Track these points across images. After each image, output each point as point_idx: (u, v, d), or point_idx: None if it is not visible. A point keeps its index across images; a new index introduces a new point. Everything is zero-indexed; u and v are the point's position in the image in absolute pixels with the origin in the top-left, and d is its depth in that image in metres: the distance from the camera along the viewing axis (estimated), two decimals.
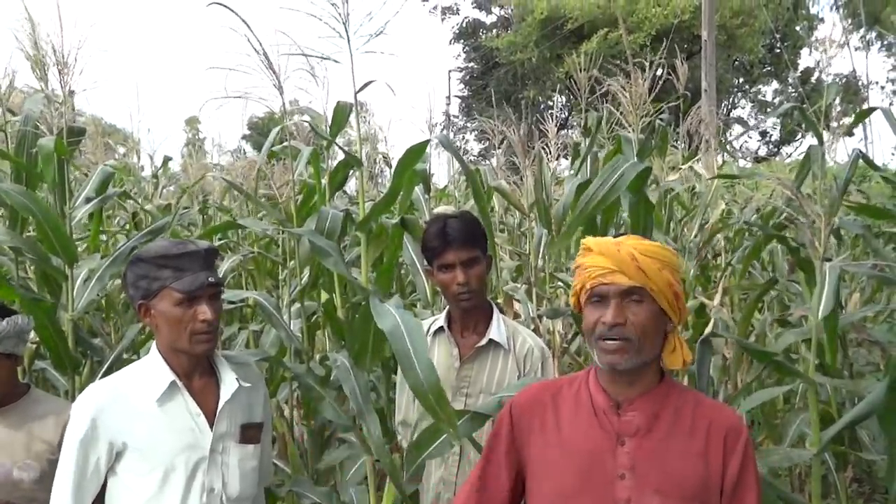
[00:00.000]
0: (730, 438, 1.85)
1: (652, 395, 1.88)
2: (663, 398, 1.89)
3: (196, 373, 2.29)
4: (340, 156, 3.56)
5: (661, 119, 3.63)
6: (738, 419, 1.93)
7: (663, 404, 1.88)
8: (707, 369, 2.86)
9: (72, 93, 3.31)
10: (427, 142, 2.93)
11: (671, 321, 1.89)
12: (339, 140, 3.14)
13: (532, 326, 3.52)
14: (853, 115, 3.78)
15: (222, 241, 5.55)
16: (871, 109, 3.57)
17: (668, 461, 1.82)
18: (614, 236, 2.01)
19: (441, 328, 2.93)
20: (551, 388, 2.02)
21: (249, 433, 2.34)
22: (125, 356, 3.41)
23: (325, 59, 2.62)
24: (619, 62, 3.24)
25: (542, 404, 1.98)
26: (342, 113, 3.00)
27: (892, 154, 19.51)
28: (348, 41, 2.62)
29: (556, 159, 4.27)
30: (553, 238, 3.63)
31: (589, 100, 3.80)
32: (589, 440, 1.87)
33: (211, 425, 2.24)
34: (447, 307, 2.96)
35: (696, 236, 4.21)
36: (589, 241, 1.94)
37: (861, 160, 3.46)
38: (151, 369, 2.26)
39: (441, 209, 4.30)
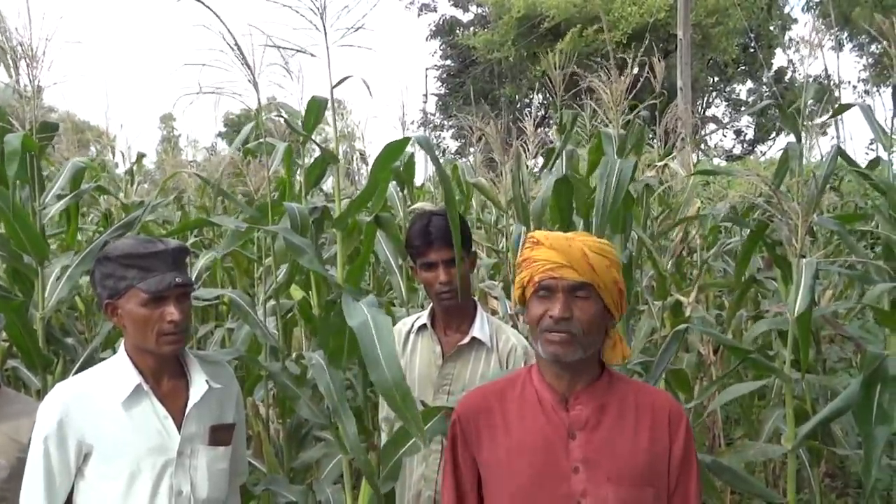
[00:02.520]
0: (673, 420, 1.91)
1: (596, 387, 1.91)
2: (607, 389, 1.92)
3: (165, 373, 2.25)
4: (317, 152, 3.54)
5: (640, 117, 3.64)
6: (676, 401, 2.00)
7: (608, 395, 1.91)
8: (668, 359, 2.88)
9: (40, 89, 3.25)
10: (407, 140, 2.91)
11: (613, 318, 1.94)
12: (317, 137, 3.11)
13: (511, 324, 3.52)
14: (828, 113, 3.82)
15: (197, 239, 5.50)
16: (849, 105, 3.60)
17: (618, 450, 1.86)
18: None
19: (424, 325, 2.91)
20: (494, 390, 2.04)
21: (219, 435, 2.31)
22: (99, 354, 3.36)
23: (300, 52, 2.58)
24: (595, 59, 3.25)
25: (487, 409, 1.99)
26: (318, 108, 2.97)
27: (866, 153, 19.67)
28: (325, 34, 2.57)
29: (535, 157, 4.27)
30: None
31: (565, 97, 3.80)
32: (540, 437, 1.89)
33: (179, 427, 2.21)
34: (431, 304, 2.94)
35: (677, 234, 4.23)
36: (538, 234, 1.97)
37: (839, 157, 3.49)
38: (118, 370, 2.22)
39: (420, 205, 4.28)
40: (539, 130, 4.06)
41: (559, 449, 1.86)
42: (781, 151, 3.95)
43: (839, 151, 3.41)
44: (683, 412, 1.95)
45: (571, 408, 1.89)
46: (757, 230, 3.64)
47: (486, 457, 1.95)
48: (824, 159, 3.53)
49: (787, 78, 33.27)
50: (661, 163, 4.39)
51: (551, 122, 4.62)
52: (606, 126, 3.23)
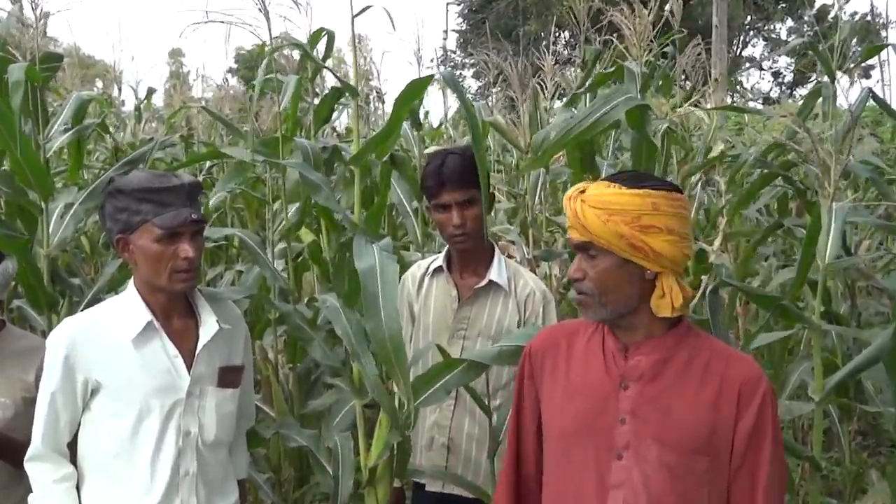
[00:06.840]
0: (744, 391, 1.74)
1: (661, 340, 1.80)
2: (675, 344, 1.80)
3: (175, 312, 2.22)
4: (325, 92, 3.46)
5: (664, 54, 3.47)
6: (758, 372, 1.81)
7: (675, 350, 1.79)
8: (719, 319, 2.73)
9: (45, 15, 3.16)
10: (430, 77, 2.82)
11: (646, 269, 1.77)
12: (331, 77, 3.03)
13: (528, 268, 3.43)
14: (865, 55, 3.63)
15: (206, 178, 5.43)
16: (882, 46, 3.42)
17: (671, 409, 1.76)
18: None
19: (440, 268, 2.86)
20: (568, 329, 1.99)
21: (228, 377, 2.28)
22: (104, 295, 3.32)
23: None
24: None
25: (556, 346, 1.95)
26: (324, 39, 2.88)
27: None
28: None
29: (553, 97, 4.13)
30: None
31: (591, 33, 3.65)
32: (592, 382, 1.84)
33: (189, 367, 2.18)
34: (447, 247, 2.89)
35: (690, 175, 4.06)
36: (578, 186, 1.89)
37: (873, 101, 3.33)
38: (128, 307, 2.18)
39: (434, 149, 4.18)
40: (563, 68, 3.91)
41: (609, 398, 1.80)
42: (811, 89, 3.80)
43: (870, 94, 3.23)
44: (763, 384, 1.76)
45: (631, 357, 1.81)
46: (770, 174, 3.48)
47: (545, 393, 1.94)
48: (854, 101, 3.36)
49: (830, 16, 32.31)
50: (687, 104, 4.21)
51: (577, 59, 4.47)
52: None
